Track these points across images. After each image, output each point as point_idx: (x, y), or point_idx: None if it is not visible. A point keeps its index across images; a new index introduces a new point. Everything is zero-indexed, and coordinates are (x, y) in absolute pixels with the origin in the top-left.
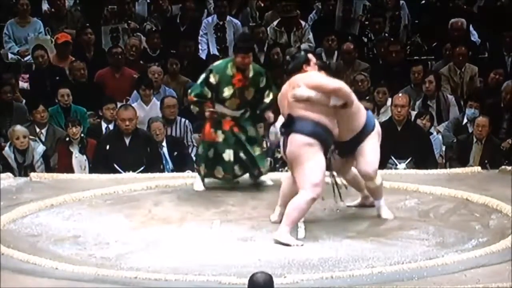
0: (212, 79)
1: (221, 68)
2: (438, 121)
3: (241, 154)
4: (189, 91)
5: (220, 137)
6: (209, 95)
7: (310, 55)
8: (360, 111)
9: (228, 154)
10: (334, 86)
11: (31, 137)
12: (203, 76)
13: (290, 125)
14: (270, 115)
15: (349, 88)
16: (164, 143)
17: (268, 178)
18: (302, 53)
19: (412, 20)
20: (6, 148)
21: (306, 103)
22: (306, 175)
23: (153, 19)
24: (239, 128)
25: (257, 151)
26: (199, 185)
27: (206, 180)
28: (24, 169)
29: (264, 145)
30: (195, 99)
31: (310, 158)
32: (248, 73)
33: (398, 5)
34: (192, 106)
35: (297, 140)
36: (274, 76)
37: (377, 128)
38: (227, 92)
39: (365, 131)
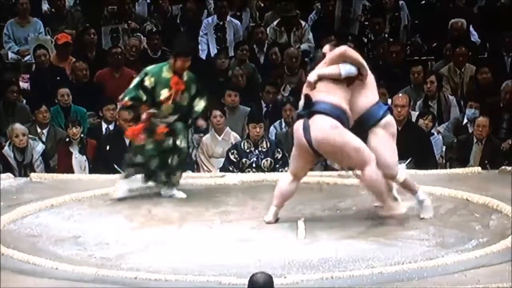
0: (147, 82)
1: (157, 71)
2: (438, 122)
3: (166, 162)
4: (122, 96)
5: (149, 144)
6: (144, 98)
7: (325, 49)
8: (367, 92)
9: (154, 162)
10: (339, 51)
11: (30, 136)
12: (137, 79)
13: (310, 107)
14: (201, 123)
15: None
16: None
17: (178, 191)
18: (319, 52)
19: (412, 21)
20: (6, 147)
21: (325, 88)
22: (359, 153)
23: (153, 19)
24: (170, 135)
25: (175, 162)
26: (120, 192)
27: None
28: (23, 168)
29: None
30: (130, 103)
31: (348, 138)
32: (183, 77)
33: (398, 6)
34: (126, 111)
35: (326, 123)
36: (273, 76)
37: (386, 122)
38: (164, 95)
39: (369, 118)
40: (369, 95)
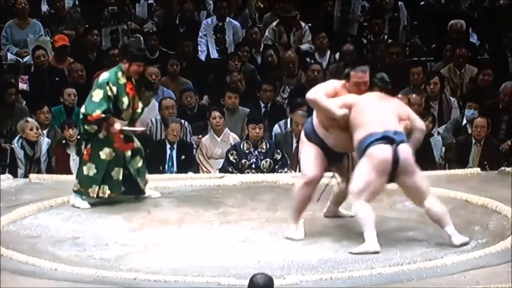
0: (110, 93)
1: (115, 79)
2: (439, 123)
3: (126, 171)
4: (89, 110)
5: (111, 155)
6: (111, 109)
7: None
8: (359, 128)
9: (117, 173)
10: (309, 97)
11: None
12: (101, 91)
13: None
14: (138, 126)
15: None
16: (175, 145)
17: (153, 191)
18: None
19: (411, 22)
20: (15, 144)
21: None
22: (302, 166)
23: (155, 18)
24: (126, 142)
25: (139, 163)
26: (83, 203)
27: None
28: (33, 163)
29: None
30: (102, 115)
31: (305, 151)
32: (134, 81)
33: (397, 7)
34: (92, 126)
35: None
36: (272, 78)
37: (368, 153)
38: (125, 102)
39: (358, 150)
40: (359, 132)
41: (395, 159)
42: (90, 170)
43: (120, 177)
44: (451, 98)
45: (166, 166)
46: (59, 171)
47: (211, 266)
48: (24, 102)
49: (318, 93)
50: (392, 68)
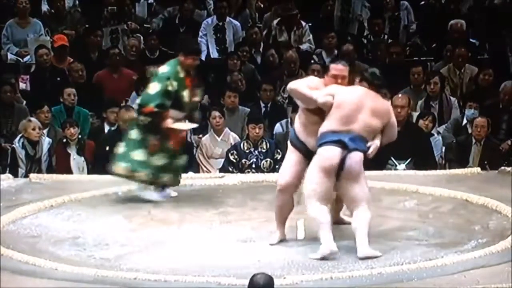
0: (171, 87)
1: (174, 73)
2: (439, 123)
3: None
4: (144, 102)
5: (176, 145)
6: (169, 104)
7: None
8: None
9: (182, 160)
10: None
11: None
12: (159, 85)
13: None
14: (196, 116)
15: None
16: None
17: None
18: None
19: (412, 21)
20: (16, 143)
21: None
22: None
23: (155, 19)
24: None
25: (182, 160)
26: (155, 195)
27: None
28: (34, 163)
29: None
30: (155, 109)
31: (287, 156)
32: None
33: (398, 6)
34: (145, 117)
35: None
36: (272, 78)
37: (318, 153)
38: (186, 96)
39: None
40: (324, 123)
41: (342, 164)
42: (159, 160)
43: (183, 165)
44: (451, 98)
45: None
46: (59, 171)
47: (211, 266)
48: (25, 102)
49: (299, 83)
50: (392, 68)
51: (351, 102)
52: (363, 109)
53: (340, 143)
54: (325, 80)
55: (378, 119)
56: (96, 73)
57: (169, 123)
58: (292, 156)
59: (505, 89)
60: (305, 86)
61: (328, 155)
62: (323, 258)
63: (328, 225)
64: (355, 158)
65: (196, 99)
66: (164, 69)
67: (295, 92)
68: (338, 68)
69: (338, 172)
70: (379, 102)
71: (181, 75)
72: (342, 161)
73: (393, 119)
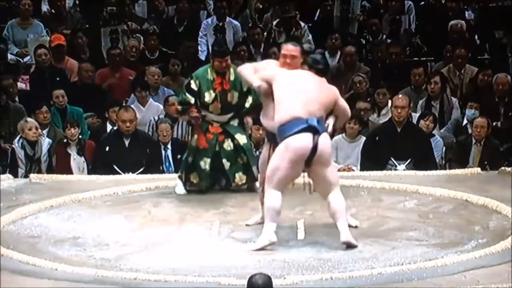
0: (194, 85)
1: (201, 73)
2: (440, 123)
3: (218, 164)
4: (172, 101)
5: (203, 144)
6: (192, 101)
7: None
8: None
9: (205, 162)
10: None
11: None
12: (186, 83)
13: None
14: (248, 120)
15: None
16: (169, 145)
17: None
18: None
19: (413, 22)
20: (15, 144)
21: None
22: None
23: (150, 20)
24: (225, 136)
25: (243, 160)
26: (180, 189)
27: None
28: (33, 163)
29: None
30: (179, 107)
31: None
32: (229, 76)
33: (401, 7)
34: (178, 115)
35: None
36: None
37: (285, 142)
38: (208, 97)
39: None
40: (283, 112)
41: (314, 149)
42: (187, 156)
43: (208, 168)
44: (452, 98)
45: (164, 167)
46: (59, 171)
47: (211, 266)
48: (24, 102)
49: (246, 65)
50: (392, 68)
51: (297, 84)
52: (311, 92)
53: (310, 129)
54: (280, 61)
55: (327, 97)
56: (97, 72)
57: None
58: (264, 150)
59: (497, 81)
60: (251, 68)
61: (301, 144)
62: (261, 249)
63: (276, 215)
64: (326, 141)
65: (234, 102)
66: (198, 70)
67: (241, 74)
68: (287, 48)
69: (310, 158)
70: (322, 81)
71: (210, 76)
72: (314, 147)
73: (341, 99)
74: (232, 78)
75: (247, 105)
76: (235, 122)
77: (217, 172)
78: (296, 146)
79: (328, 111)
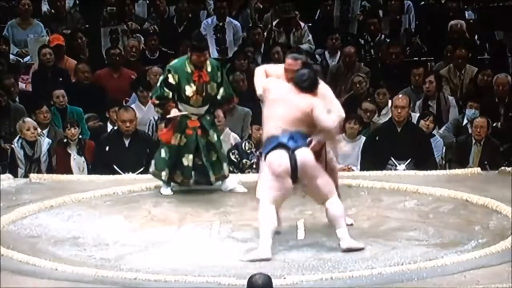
0: (172, 79)
1: (179, 66)
2: (438, 122)
3: (198, 160)
4: (151, 94)
5: (182, 141)
6: (170, 95)
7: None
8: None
9: (187, 159)
10: None
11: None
12: (161, 77)
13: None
14: (220, 114)
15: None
16: None
17: (236, 184)
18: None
19: (413, 22)
20: (15, 144)
21: None
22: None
23: (150, 20)
24: (202, 131)
25: (213, 157)
26: (165, 190)
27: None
28: (33, 163)
29: (224, 151)
30: (156, 101)
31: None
32: (206, 68)
33: (401, 8)
34: (155, 109)
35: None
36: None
37: (266, 160)
38: (188, 90)
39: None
40: (266, 128)
41: (294, 165)
42: (165, 153)
43: (191, 164)
44: (449, 97)
45: None
46: (59, 171)
47: (211, 266)
48: (24, 102)
49: (261, 68)
50: (392, 68)
51: (281, 97)
52: (292, 106)
53: (282, 146)
54: (284, 75)
55: (301, 111)
56: (96, 72)
57: (173, 113)
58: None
59: (497, 81)
60: (262, 71)
61: (276, 160)
62: (253, 260)
63: (271, 229)
64: (303, 155)
65: (210, 94)
66: (172, 62)
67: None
68: (288, 62)
69: (295, 174)
70: (303, 96)
71: (188, 69)
72: (294, 162)
73: (319, 110)
74: (209, 69)
75: (218, 97)
76: (209, 117)
77: (198, 167)
78: (271, 162)
79: (309, 124)
